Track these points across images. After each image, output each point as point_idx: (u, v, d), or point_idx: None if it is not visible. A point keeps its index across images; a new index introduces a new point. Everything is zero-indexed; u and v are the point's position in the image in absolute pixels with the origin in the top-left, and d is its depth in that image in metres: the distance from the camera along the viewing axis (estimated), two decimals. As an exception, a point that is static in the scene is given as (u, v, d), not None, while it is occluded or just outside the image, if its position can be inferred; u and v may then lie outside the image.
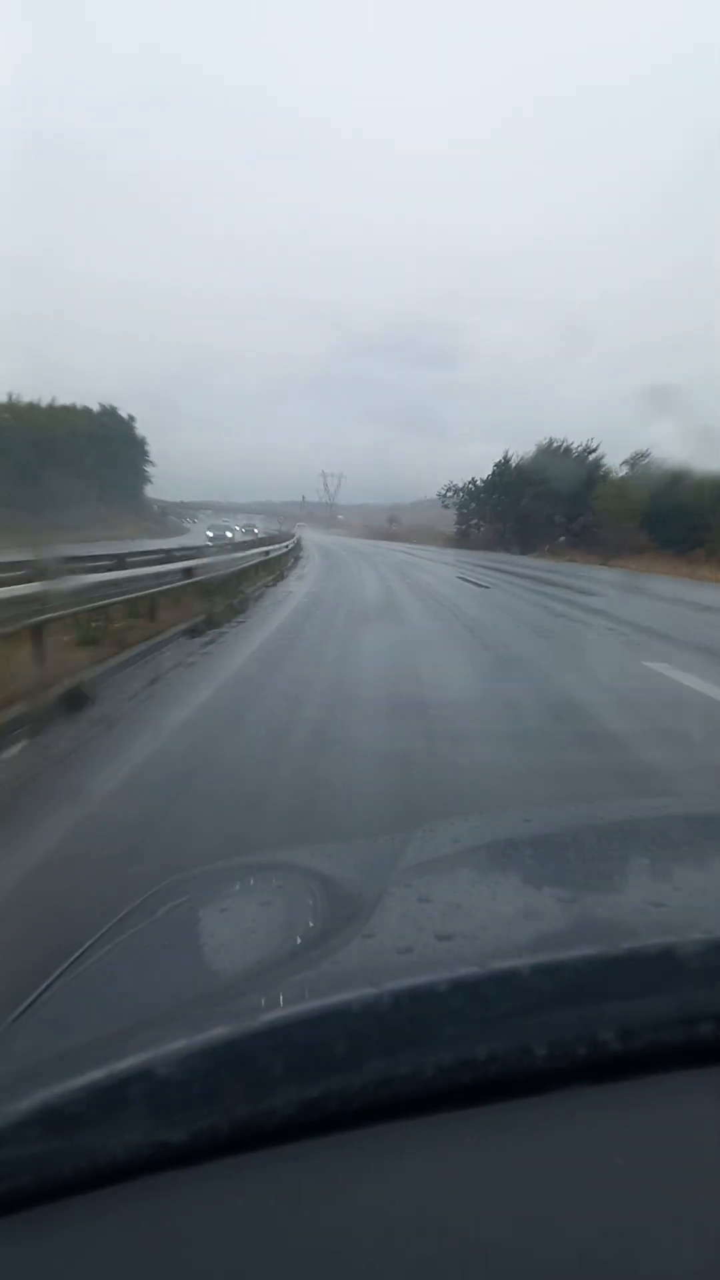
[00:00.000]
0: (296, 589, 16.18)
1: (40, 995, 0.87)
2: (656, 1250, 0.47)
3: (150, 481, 77.91)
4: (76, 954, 0.95)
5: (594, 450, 43.86)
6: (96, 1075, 0.55)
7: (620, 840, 1.19)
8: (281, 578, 18.71)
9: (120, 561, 9.74)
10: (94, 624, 7.87)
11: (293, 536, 38.63)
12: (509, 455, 51.31)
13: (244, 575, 15.30)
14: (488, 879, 1.02)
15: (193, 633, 9.17)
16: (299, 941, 0.83)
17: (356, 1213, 0.51)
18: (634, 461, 38.43)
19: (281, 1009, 0.59)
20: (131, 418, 72.30)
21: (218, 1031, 0.57)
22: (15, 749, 4.74)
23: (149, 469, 74.32)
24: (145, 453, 73.07)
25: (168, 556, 12.42)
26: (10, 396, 56.70)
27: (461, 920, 0.81)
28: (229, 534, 38.57)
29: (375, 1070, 0.57)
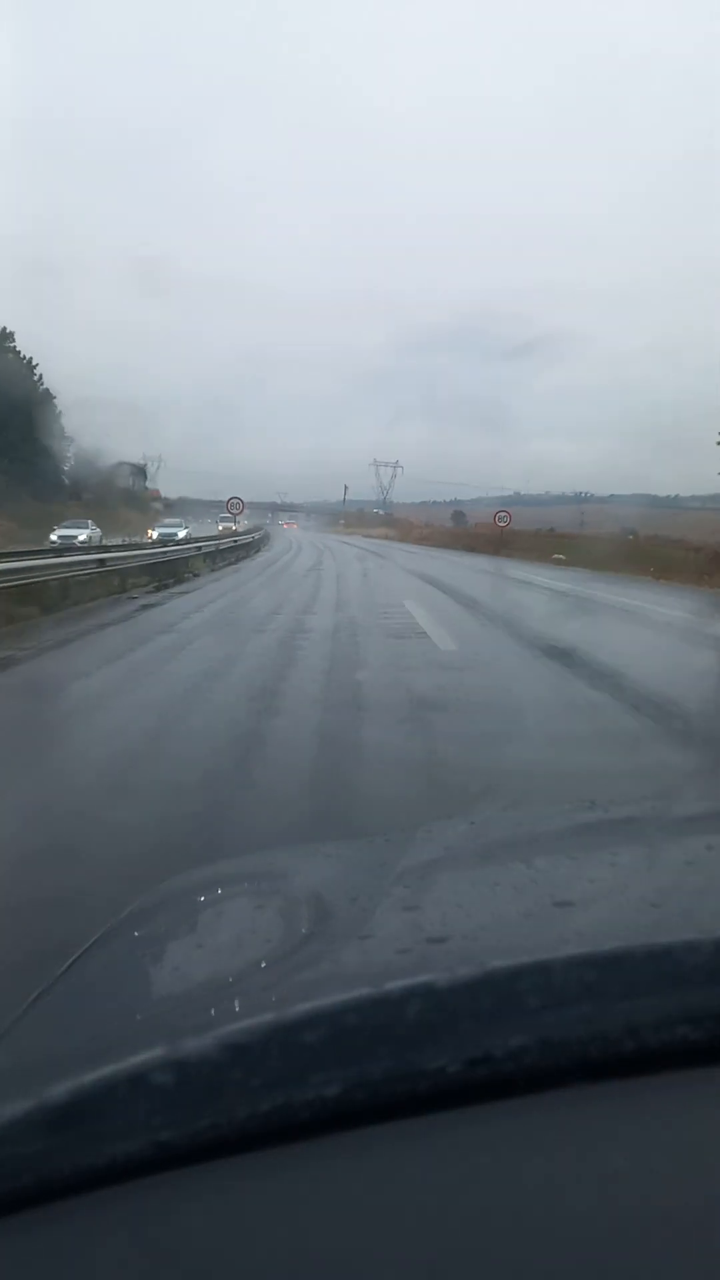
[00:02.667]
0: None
1: (40, 996, 0.87)
2: (656, 1250, 0.47)
3: (69, 455, 58.10)
4: (76, 954, 0.94)
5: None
6: (96, 1075, 0.55)
7: (619, 840, 1.18)
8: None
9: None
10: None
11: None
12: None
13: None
14: (485, 879, 1.01)
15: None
16: (297, 942, 0.83)
17: (356, 1213, 0.51)
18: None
19: (281, 1009, 0.59)
20: (33, 363, 51.84)
21: (217, 1032, 0.57)
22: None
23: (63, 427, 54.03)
24: (57, 413, 52.51)
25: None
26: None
27: (459, 921, 0.82)
28: (179, 534, 33.79)
29: (374, 1070, 0.57)
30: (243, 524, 42.46)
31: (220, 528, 41.02)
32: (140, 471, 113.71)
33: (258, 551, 33.95)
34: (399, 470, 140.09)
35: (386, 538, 66.82)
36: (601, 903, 0.85)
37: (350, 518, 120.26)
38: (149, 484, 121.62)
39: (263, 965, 0.78)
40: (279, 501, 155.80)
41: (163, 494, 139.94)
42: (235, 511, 37.66)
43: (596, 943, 0.66)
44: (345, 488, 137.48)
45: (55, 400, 55.30)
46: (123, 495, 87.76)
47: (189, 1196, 0.52)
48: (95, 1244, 0.51)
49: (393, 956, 0.71)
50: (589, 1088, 0.58)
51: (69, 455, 61.47)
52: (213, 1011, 0.65)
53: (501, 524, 39.21)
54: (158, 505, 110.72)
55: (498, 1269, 0.47)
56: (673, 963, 0.63)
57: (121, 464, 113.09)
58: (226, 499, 38.15)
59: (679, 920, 0.75)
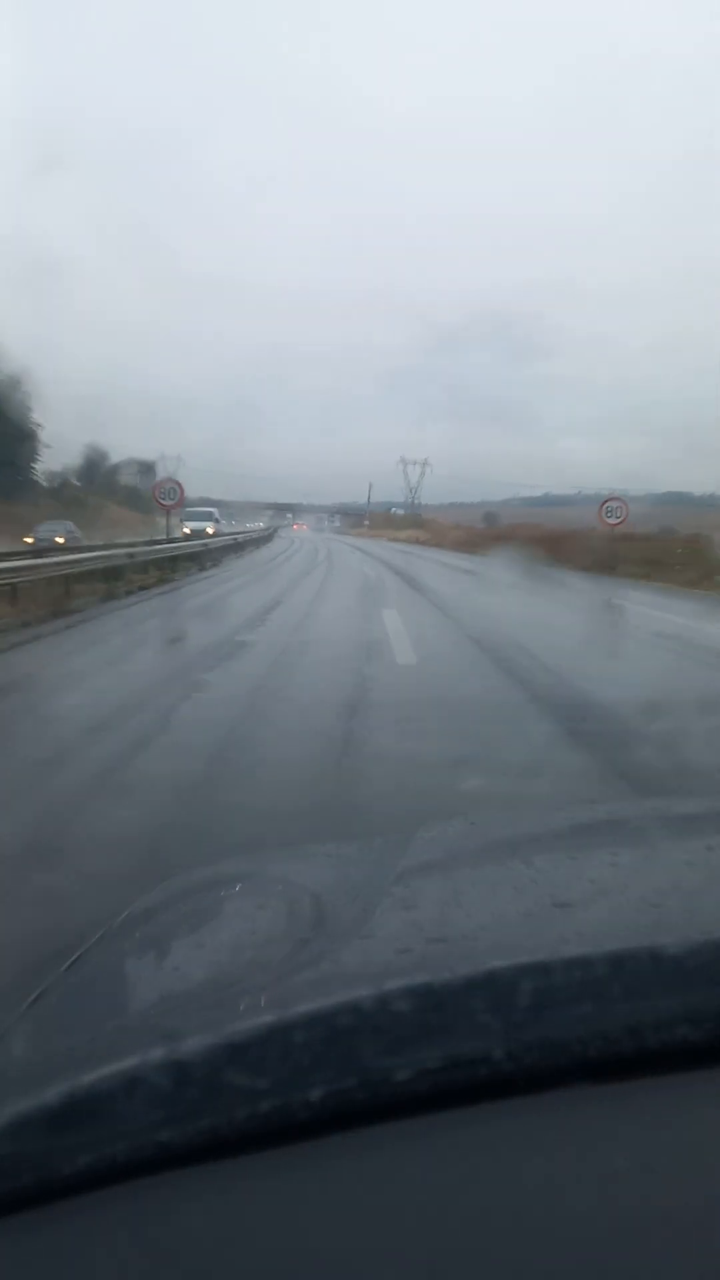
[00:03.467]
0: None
1: (40, 996, 0.87)
2: (656, 1250, 0.47)
3: (42, 450, 50.41)
4: (76, 955, 0.94)
5: None
6: (96, 1075, 0.55)
7: (619, 839, 1.18)
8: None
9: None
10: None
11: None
12: None
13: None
14: (486, 880, 1.02)
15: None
16: (297, 943, 0.83)
17: (356, 1213, 0.51)
18: None
19: (281, 1009, 0.60)
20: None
21: (217, 1032, 0.58)
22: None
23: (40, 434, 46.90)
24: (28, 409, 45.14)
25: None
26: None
27: (460, 921, 0.82)
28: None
29: (375, 1070, 0.57)
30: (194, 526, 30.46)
31: (185, 529, 30.11)
32: (149, 470, 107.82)
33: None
34: (428, 468, 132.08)
35: (416, 540, 58.55)
36: (601, 903, 0.86)
37: (376, 519, 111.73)
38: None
39: (263, 965, 0.78)
40: (303, 503, 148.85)
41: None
42: (168, 503, 22.15)
43: (596, 943, 0.66)
44: (369, 485, 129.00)
45: (26, 393, 47.65)
46: (125, 494, 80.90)
47: (189, 1196, 0.52)
48: (95, 1244, 0.51)
49: (393, 956, 0.71)
50: (589, 1088, 0.58)
51: (39, 454, 53.45)
52: (213, 1012, 0.65)
53: (613, 521, 21.95)
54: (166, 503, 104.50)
55: (498, 1269, 0.47)
56: (673, 963, 0.63)
57: (129, 461, 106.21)
58: (156, 483, 25.35)
59: (679, 920, 0.75)
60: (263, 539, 47.71)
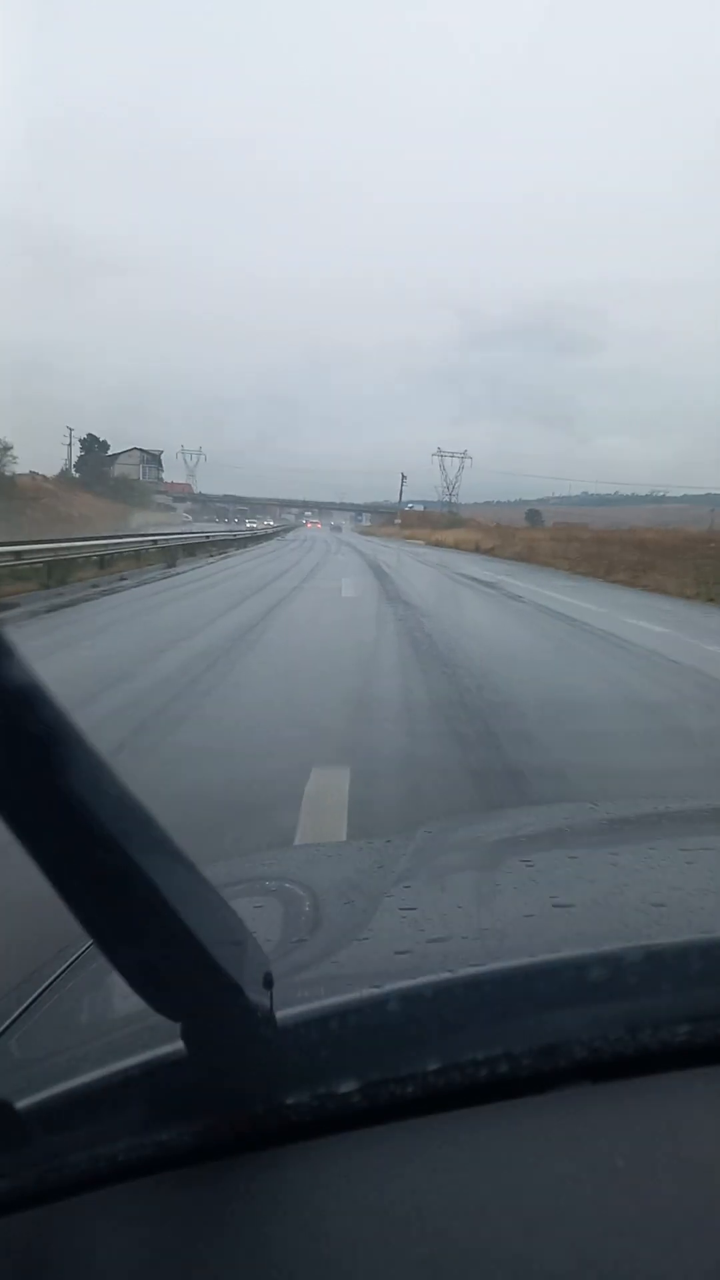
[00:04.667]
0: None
1: (40, 996, 0.87)
2: (656, 1250, 0.47)
3: None
4: (76, 955, 0.95)
5: None
6: (97, 1075, 0.55)
7: (619, 839, 1.18)
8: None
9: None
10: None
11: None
12: None
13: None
14: (486, 880, 1.01)
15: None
16: (297, 943, 0.83)
17: (356, 1213, 0.51)
18: None
19: (281, 1010, 0.59)
20: None
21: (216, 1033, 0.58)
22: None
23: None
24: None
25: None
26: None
27: (460, 921, 0.82)
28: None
29: (374, 1070, 0.57)
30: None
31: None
32: (154, 460, 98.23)
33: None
34: (467, 461, 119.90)
35: (464, 547, 42.84)
36: (601, 903, 0.86)
37: (410, 517, 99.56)
38: (164, 475, 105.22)
39: None
40: (335, 500, 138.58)
41: (196, 489, 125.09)
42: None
43: (596, 943, 0.66)
44: (403, 477, 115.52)
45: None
46: (115, 486, 70.42)
47: (189, 1196, 0.52)
48: (95, 1244, 0.51)
49: (393, 957, 0.71)
50: (589, 1088, 0.58)
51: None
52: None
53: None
54: (163, 499, 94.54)
55: (498, 1269, 0.46)
56: (672, 963, 0.63)
57: (132, 450, 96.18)
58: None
59: (679, 921, 0.75)
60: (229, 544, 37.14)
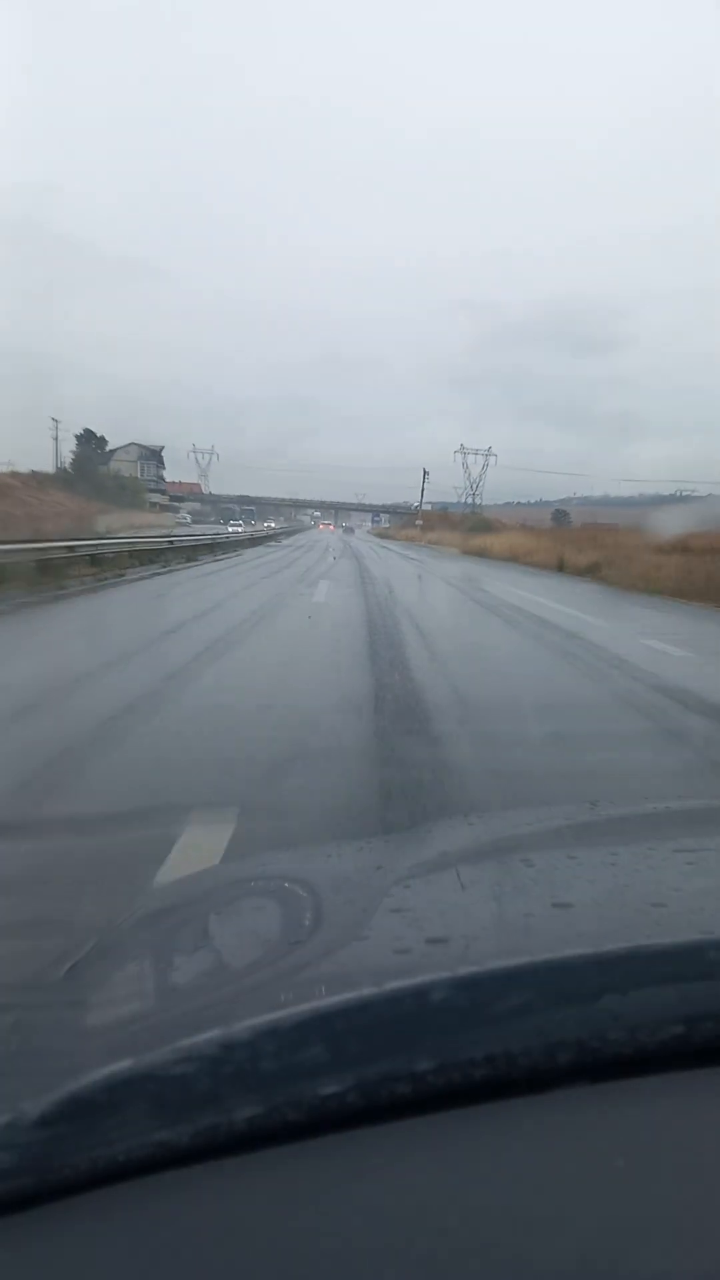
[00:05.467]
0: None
1: (40, 997, 0.87)
2: (656, 1250, 0.47)
3: None
4: (78, 955, 0.94)
5: None
6: (97, 1075, 0.55)
7: (619, 839, 1.18)
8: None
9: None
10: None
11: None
12: None
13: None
14: (486, 879, 1.01)
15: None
16: (297, 943, 0.83)
17: (356, 1213, 0.51)
18: None
19: (280, 1010, 0.60)
20: None
21: (217, 1032, 0.58)
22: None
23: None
24: None
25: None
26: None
27: (460, 921, 0.82)
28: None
29: (374, 1070, 0.57)
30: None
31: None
32: (154, 456, 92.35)
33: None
34: (491, 459, 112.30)
35: (530, 559, 28.87)
36: (601, 903, 0.86)
37: (431, 518, 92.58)
38: (165, 472, 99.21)
39: (263, 966, 0.78)
40: (354, 501, 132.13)
41: (208, 489, 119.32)
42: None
43: (597, 943, 0.66)
44: (425, 473, 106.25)
45: None
46: (100, 484, 64.34)
47: (189, 1196, 0.52)
48: (95, 1244, 0.51)
49: (393, 957, 0.71)
50: (589, 1088, 0.58)
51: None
52: (211, 1013, 0.65)
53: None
54: (158, 498, 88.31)
55: (498, 1269, 0.47)
56: (673, 964, 0.63)
57: (129, 446, 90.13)
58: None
59: (679, 921, 0.75)
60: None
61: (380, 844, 1.20)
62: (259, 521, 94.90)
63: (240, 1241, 0.49)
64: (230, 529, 58.75)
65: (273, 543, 44.54)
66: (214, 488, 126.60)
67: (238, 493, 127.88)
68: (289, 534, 69.56)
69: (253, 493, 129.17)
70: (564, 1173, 0.53)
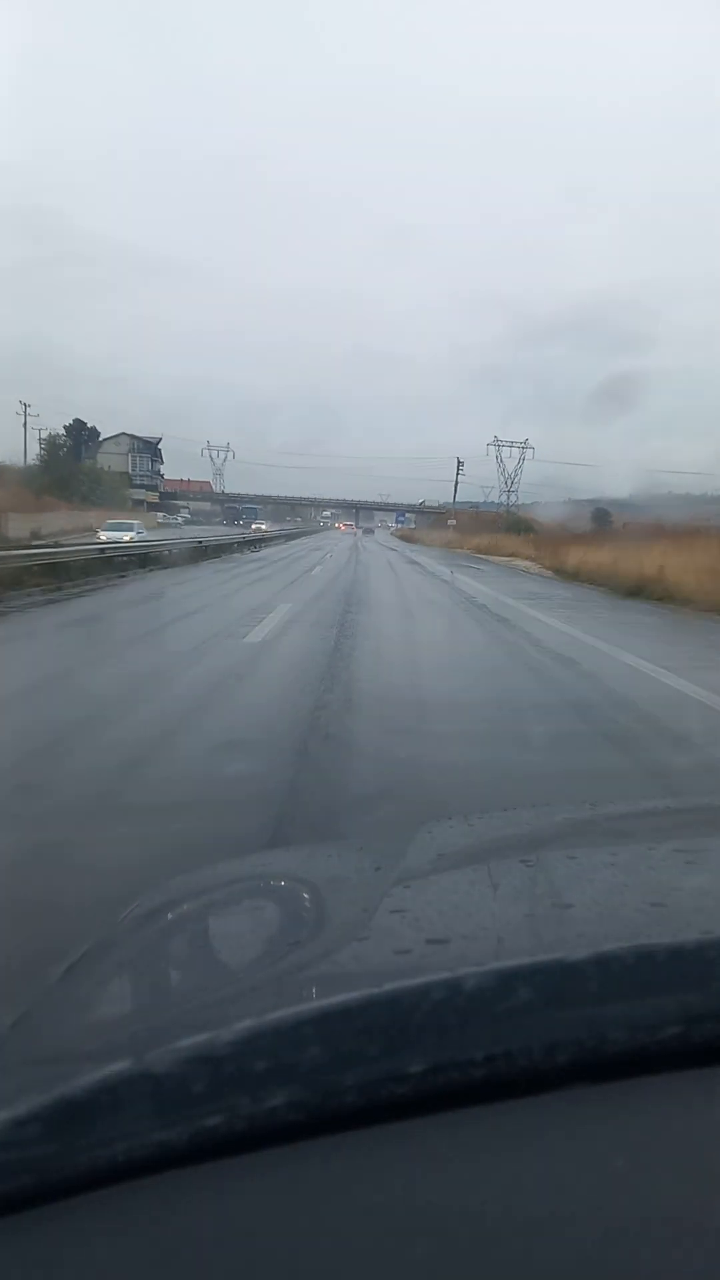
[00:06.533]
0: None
1: (41, 995, 0.87)
2: (656, 1250, 0.47)
3: None
4: (78, 955, 0.94)
5: None
6: (96, 1075, 0.55)
7: (619, 839, 1.18)
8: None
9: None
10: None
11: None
12: None
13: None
14: (486, 879, 1.01)
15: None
16: (297, 943, 0.83)
17: (356, 1213, 0.51)
18: None
19: (280, 1010, 0.60)
20: None
21: (217, 1032, 0.57)
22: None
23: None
24: None
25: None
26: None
27: (460, 921, 0.82)
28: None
29: (374, 1070, 0.57)
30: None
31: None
32: (148, 448, 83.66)
33: None
34: (528, 451, 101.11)
35: (620, 578, 18.78)
36: (601, 903, 0.86)
37: (464, 518, 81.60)
38: (162, 468, 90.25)
39: (262, 966, 0.78)
40: (378, 499, 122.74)
41: (223, 486, 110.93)
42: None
43: (596, 943, 0.65)
44: (459, 463, 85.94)
45: None
46: (65, 480, 55.53)
47: (189, 1196, 0.52)
48: (95, 1244, 0.51)
49: (392, 957, 0.71)
50: (589, 1088, 0.58)
51: None
52: (211, 1013, 0.65)
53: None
54: (145, 495, 79.18)
55: (498, 1269, 0.47)
56: (672, 963, 0.63)
57: (119, 436, 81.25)
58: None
59: (679, 921, 0.75)
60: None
61: (380, 844, 1.20)
62: (254, 522, 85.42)
63: (240, 1241, 0.49)
64: (179, 517, 50.13)
65: (249, 551, 33.51)
66: (230, 486, 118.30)
67: (255, 491, 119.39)
68: (289, 538, 59.00)
69: (271, 491, 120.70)
70: (564, 1173, 0.52)
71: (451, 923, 0.80)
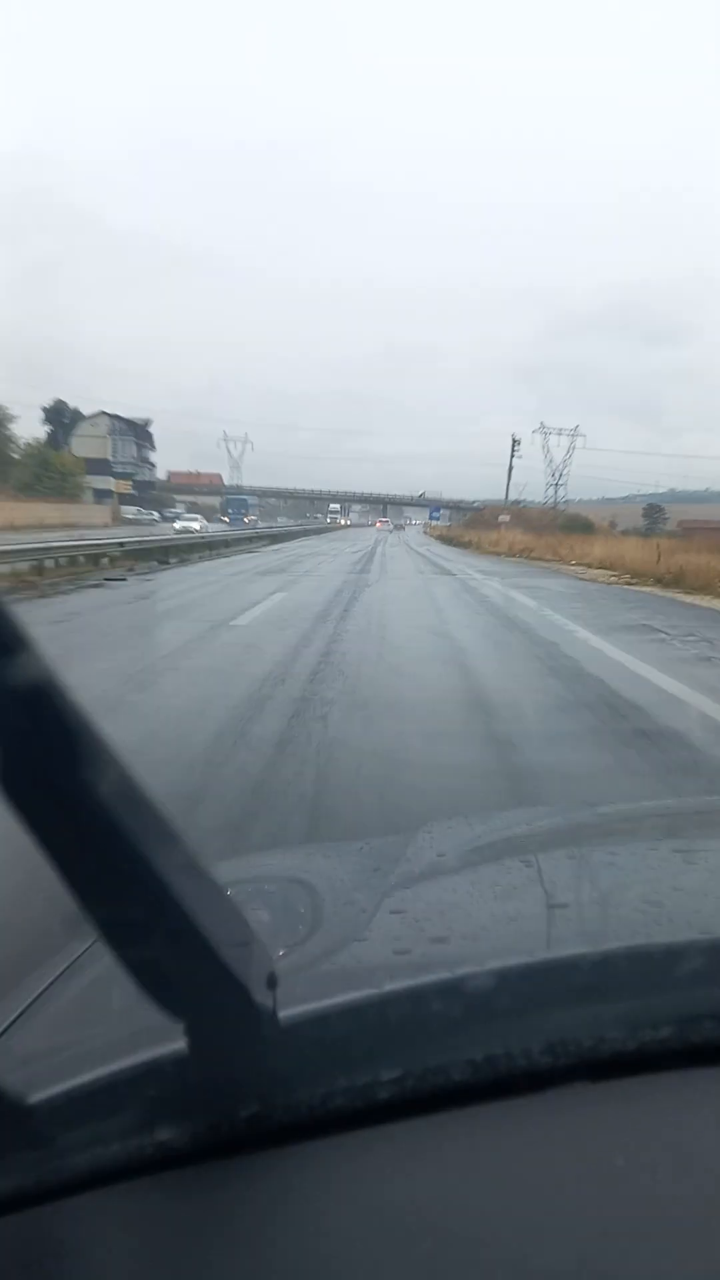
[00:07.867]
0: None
1: (41, 995, 0.87)
2: (656, 1250, 0.47)
3: None
4: (75, 956, 0.94)
5: None
6: (96, 1075, 0.55)
7: (619, 839, 1.18)
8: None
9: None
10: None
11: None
12: None
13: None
14: (486, 879, 1.01)
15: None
16: (296, 943, 0.83)
17: (357, 1212, 0.51)
18: None
19: (279, 1010, 0.59)
20: None
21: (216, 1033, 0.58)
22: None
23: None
24: None
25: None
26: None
27: (460, 921, 0.82)
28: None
29: (373, 1070, 0.57)
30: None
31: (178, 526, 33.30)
32: (133, 430, 73.84)
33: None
34: (578, 439, 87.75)
35: None
36: (601, 903, 0.86)
37: (525, 517, 57.54)
38: (152, 455, 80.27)
39: None
40: (426, 495, 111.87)
41: (240, 479, 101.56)
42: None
43: (596, 943, 0.66)
44: (514, 442, 70.57)
45: None
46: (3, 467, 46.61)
47: (189, 1196, 0.52)
48: (95, 1244, 0.51)
49: (392, 957, 0.71)
50: (589, 1088, 0.58)
51: None
52: None
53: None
54: (111, 485, 69.23)
55: (498, 1269, 0.47)
56: (672, 963, 0.63)
57: (98, 416, 71.40)
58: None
59: (678, 920, 0.75)
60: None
61: (380, 844, 1.19)
62: (245, 515, 75.39)
63: (240, 1241, 0.49)
64: (178, 526, 40.18)
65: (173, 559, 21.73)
66: (250, 480, 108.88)
67: (283, 485, 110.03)
68: (275, 540, 38.18)
69: (294, 485, 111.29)
70: (564, 1172, 0.52)
71: (451, 923, 0.80)
